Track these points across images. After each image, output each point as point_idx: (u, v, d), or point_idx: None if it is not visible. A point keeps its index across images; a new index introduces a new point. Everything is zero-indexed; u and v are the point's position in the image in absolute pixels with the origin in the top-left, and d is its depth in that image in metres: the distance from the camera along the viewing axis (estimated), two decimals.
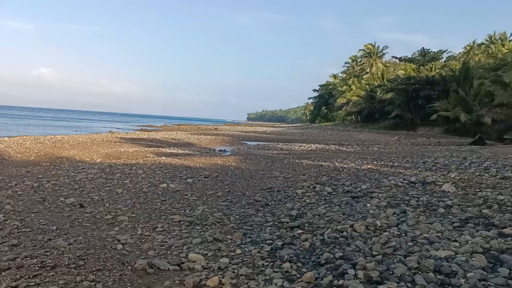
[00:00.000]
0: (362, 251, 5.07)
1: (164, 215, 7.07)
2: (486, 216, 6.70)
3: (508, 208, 7.23)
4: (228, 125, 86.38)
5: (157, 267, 4.56)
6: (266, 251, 5.17)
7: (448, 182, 10.08)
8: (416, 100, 48.05)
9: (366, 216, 6.94)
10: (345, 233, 5.89)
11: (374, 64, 78.53)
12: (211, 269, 4.57)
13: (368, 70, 79.00)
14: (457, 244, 5.18)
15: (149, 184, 9.82)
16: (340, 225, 6.35)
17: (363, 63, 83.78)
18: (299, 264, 4.68)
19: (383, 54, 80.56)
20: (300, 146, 25.20)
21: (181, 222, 6.59)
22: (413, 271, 4.27)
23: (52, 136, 23.38)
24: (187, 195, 8.81)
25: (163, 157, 15.77)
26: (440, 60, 63.20)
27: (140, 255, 5.08)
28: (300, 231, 6.15)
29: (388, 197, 8.59)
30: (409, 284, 3.96)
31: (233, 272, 4.46)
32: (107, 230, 6.16)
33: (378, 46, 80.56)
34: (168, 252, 5.19)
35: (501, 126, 33.30)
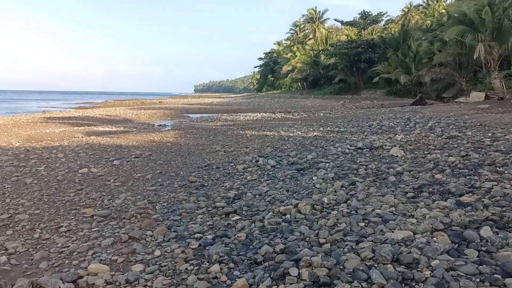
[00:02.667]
0: (307, 239, 4.24)
1: (76, 209, 5.88)
2: (440, 182, 6.14)
3: (460, 171, 6.74)
4: (174, 98, 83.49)
5: (42, 287, 3.46)
6: (192, 249, 4.20)
7: (395, 145, 9.60)
8: (358, 64, 48.26)
9: (312, 191, 6.16)
10: (288, 216, 5.06)
11: (317, 29, 78.18)
12: (117, 283, 3.54)
13: (311, 36, 78.59)
14: (414, 220, 4.49)
15: (67, 170, 8.47)
16: (283, 205, 5.52)
17: (307, 29, 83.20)
18: (231, 264, 3.76)
19: (324, 19, 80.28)
20: (246, 116, 24.24)
21: (94, 217, 5.45)
22: (367, 263, 3.49)
23: None
24: (109, 180, 7.60)
25: (93, 137, 14.21)
26: (380, 23, 63.97)
27: (28, 269, 3.93)
28: (237, 217, 5.24)
29: (336, 166, 7.89)
30: (364, 284, 3.17)
31: (145, 285, 3.46)
32: None
33: (320, 11, 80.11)
34: (67, 261, 4.08)
35: (440, 85, 34.08)
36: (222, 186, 7.07)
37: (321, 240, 4.14)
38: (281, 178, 7.34)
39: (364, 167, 7.63)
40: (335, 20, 71.67)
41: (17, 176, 8.01)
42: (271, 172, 7.89)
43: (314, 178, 7.04)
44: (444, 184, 5.96)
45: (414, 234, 4.11)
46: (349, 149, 9.75)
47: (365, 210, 5.01)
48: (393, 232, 4.21)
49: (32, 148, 11.64)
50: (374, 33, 56.13)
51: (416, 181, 6.31)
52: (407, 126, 14.13)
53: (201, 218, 5.26)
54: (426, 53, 33.63)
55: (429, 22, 45.29)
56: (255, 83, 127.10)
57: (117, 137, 14.11)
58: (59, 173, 8.23)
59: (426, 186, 5.97)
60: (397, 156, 8.55)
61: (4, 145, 12.72)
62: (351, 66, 49.52)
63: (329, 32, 75.61)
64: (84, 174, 8.10)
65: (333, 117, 21.41)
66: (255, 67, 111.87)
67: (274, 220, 4.92)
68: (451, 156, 7.82)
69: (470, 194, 5.39)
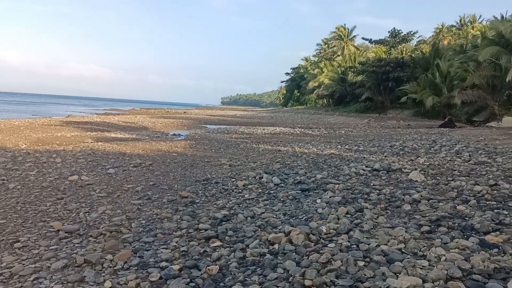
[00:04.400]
0: (290, 278, 3.48)
1: (45, 221, 5.29)
2: (462, 215, 5.24)
3: (488, 202, 5.80)
4: (200, 109, 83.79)
5: None
6: (150, 282, 3.49)
7: (416, 169, 8.69)
8: (386, 83, 46.97)
9: (312, 217, 5.37)
10: (276, 246, 4.29)
11: (345, 47, 77.34)
12: None
13: (339, 53, 77.76)
14: (425, 263, 3.66)
15: (57, 176, 7.96)
16: (274, 232, 4.75)
17: (335, 46, 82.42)
18: None
19: (354, 36, 79.37)
20: (264, 129, 23.58)
21: (59, 232, 4.83)
22: None
23: None
24: (96, 190, 7.01)
25: (100, 143, 13.81)
26: (410, 42, 62.56)
27: None
28: (217, 243, 4.50)
29: (345, 189, 7.07)
30: None
31: None
32: None
33: (348, 28, 79.35)
34: (1, 287, 3.45)
35: (471, 109, 32.54)
36: (215, 204, 6.36)
37: (307, 282, 3.36)
38: (281, 199, 6.58)
39: (377, 191, 6.78)
40: (363, 38, 70.37)
41: (3, 180, 7.55)
42: (272, 191, 7.14)
43: (318, 201, 6.24)
44: (467, 218, 5.07)
45: (423, 282, 3.28)
46: (364, 170, 8.90)
47: (368, 245, 4.20)
48: (397, 277, 3.40)
49: (33, 151, 11.27)
50: (404, 52, 54.80)
51: (434, 211, 5.43)
52: (432, 148, 13.11)
53: (176, 242, 4.54)
54: (457, 74, 32.27)
55: (463, 42, 43.77)
56: (281, 98, 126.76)
57: (125, 144, 13.66)
58: (48, 179, 7.73)
59: (446, 219, 5.08)
60: (416, 180, 7.66)
61: (9, 147, 12.42)
62: (379, 84, 48.29)
63: (358, 50, 74.63)
64: (72, 182, 7.56)
65: (355, 135, 20.47)
66: (282, 82, 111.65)
67: (258, 250, 4.16)
68: (478, 184, 6.87)
69: (498, 232, 4.49)
